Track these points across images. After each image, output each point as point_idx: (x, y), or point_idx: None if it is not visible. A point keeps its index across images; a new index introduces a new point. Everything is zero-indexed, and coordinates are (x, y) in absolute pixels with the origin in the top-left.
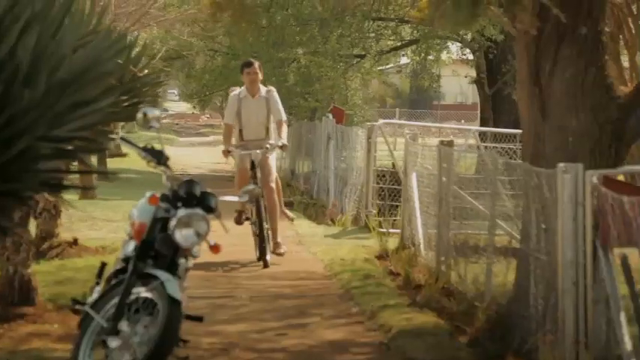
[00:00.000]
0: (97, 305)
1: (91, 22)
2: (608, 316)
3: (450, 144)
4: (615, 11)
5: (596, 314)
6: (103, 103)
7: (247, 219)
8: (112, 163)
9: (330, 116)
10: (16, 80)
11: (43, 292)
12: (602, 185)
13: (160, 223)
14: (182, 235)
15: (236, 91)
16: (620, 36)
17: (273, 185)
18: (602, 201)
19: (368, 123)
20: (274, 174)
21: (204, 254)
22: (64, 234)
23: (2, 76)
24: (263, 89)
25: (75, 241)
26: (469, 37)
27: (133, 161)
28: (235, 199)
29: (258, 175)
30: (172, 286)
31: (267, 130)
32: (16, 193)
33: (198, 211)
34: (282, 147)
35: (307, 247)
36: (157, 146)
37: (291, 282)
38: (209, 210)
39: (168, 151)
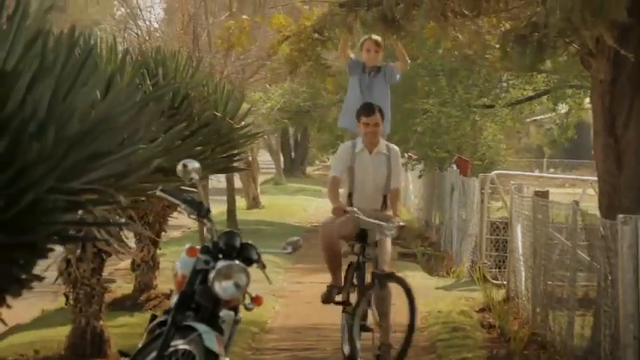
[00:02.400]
0: (137, 357)
1: (187, 73)
2: None
3: (545, 195)
4: None
5: None
6: (119, 155)
7: (342, 302)
8: (248, 214)
9: (454, 167)
10: (25, 133)
11: (123, 344)
12: None
13: (201, 275)
14: (221, 287)
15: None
16: None
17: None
18: None
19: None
20: (389, 259)
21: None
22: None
23: (11, 128)
24: (383, 143)
25: (172, 293)
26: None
27: (266, 212)
28: (277, 251)
29: (370, 255)
30: (210, 339)
31: (385, 199)
32: (32, 245)
33: (238, 262)
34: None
35: None
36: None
37: None
38: (249, 262)
39: (314, 203)
